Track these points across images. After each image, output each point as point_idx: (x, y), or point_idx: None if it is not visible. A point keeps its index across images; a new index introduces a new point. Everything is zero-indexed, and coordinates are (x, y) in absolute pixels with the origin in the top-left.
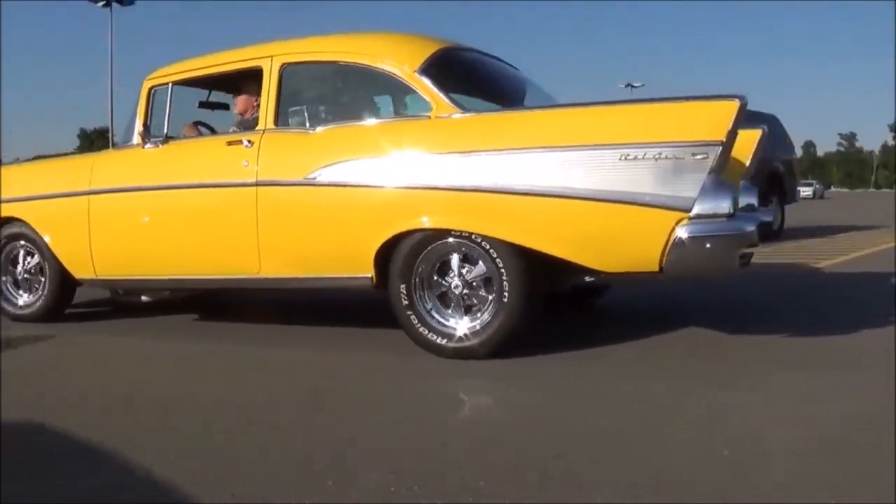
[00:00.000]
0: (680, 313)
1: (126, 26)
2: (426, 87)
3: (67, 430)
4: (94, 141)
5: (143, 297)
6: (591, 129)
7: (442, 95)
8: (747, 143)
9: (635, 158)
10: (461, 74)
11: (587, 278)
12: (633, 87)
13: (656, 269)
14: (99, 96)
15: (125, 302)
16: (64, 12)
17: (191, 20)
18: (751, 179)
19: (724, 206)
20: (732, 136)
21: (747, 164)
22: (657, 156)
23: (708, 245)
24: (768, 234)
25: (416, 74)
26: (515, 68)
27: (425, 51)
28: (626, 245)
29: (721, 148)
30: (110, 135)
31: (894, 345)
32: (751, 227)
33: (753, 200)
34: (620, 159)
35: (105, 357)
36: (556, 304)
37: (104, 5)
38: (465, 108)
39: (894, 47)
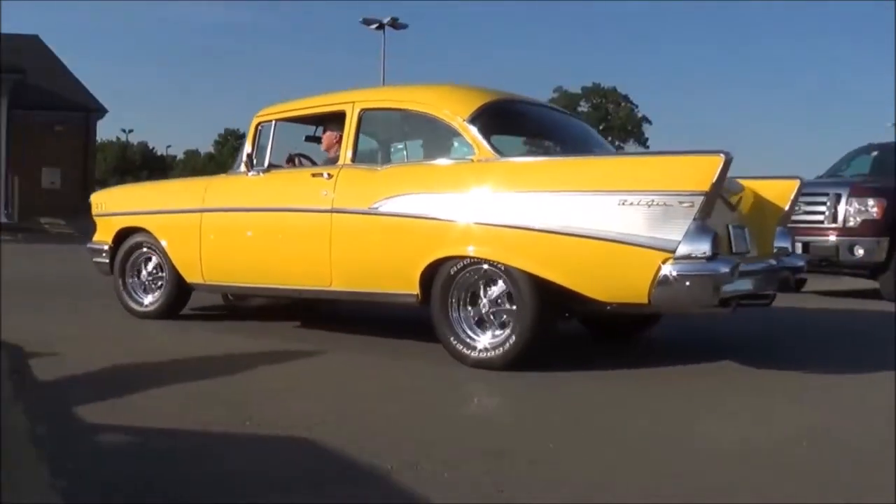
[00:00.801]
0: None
1: (397, 49)
2: (471, 134)
3: None
4: None
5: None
6: (596, 177)
7: (483, 142)
8: (786, 192)
9: (631, 204)
10: (507, 123)
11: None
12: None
13: (645, 301)
14: None
15: (235, 305)
16: (341, 36)
17: (453, 45)
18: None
19: (704, 248)
20: (717, 186)
21: (785, 209)
22: (650, 202)
23: (687, 282)
24: (796, 281)
25: (465, 123)
26: (568, 114)
27: (476, 102)
28: (619, 279)
29: (705, 197)
30: None
31: None
32: (726, 269)
33: (787, 245)
34: (619, 204)
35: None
36: (606, 333)
37: (377, 28)
38: (501, 154)
39: (894, 48)
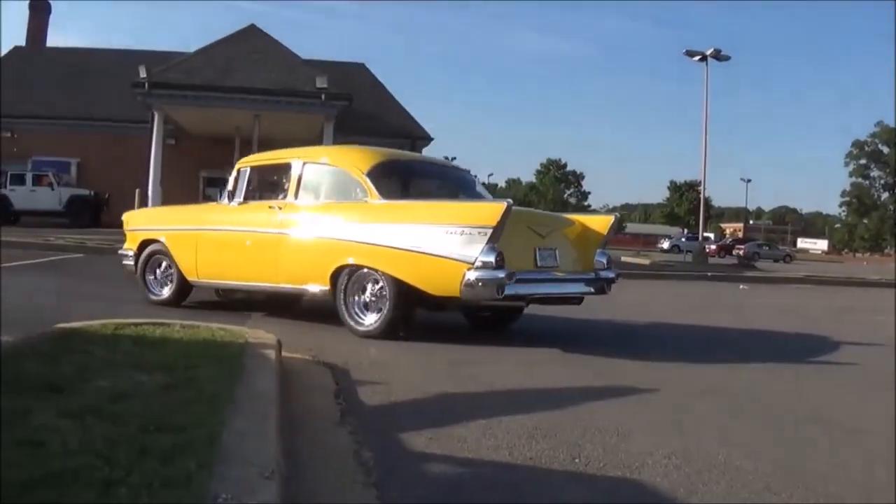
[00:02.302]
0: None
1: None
2: (367, 184)
3: None
4: (684, 193)
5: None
6: (432, 215)
7: (374, 189)
8: (605, 224)
9: (452, 233)
10: (392, 174)
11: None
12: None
13: (458, 294)
14: (690, 149)
15: (223, 299)
16: (668, 68)
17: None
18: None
19: (490, 260)
20: (503, 221)
21: (604, 236)
22: (461, 232)
23: (480, 283)
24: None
25: (364, 175)
26: (447, 165)
27: (372, 161)
28: (444, 280)
29: (493, 229)
30: (703, 187)
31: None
32: (503, 275)
33: (604, 261)
34: (445, 233)
35: None
36: (481, 323)
37: (700, 60)
38: (384, 198)
39: (894, 48)
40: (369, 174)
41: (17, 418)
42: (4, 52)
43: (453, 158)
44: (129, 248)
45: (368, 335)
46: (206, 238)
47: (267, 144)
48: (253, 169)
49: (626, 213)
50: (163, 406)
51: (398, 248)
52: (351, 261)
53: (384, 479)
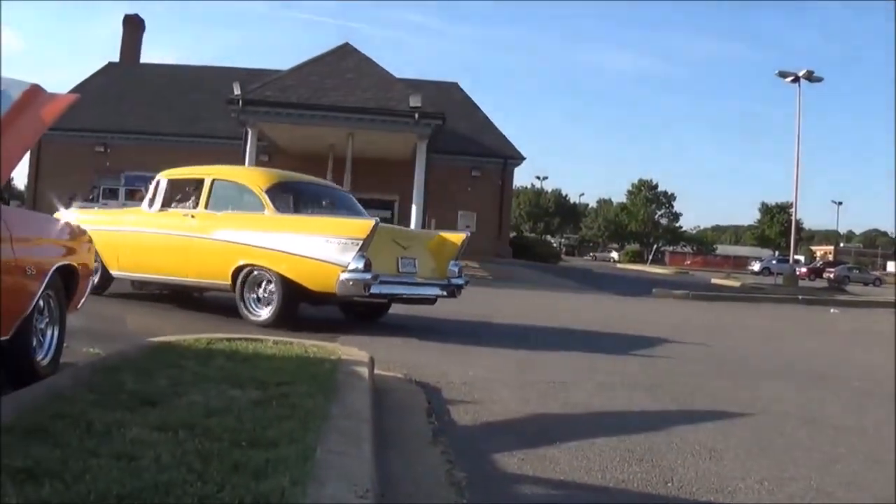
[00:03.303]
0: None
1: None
2: (265, 199)
3: None
4: (775, 215)
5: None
6: (316, 227)
7: (270, 203)
8: (458, 239)
9: (330, 242)
10: (286, 192)
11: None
12: None
13: (334, 291)
14: (781, 170)
15: (137, 290)
16: (761, 90)
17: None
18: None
19: (360, 265)
20: (371, 235)
21: (458, 249)
22: (339, 241)
23: (350, 283)
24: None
25: (263, 191)
26: (333, 187)
27: (270, 180)
28: (323, 279)
29: (363, 241)
30: (794, 209)
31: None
32: (368, 277)
33: (457, 270)
34: (325, 241)
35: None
36: (356, 315)
37: (792, 81)
38: (278, 211)
39: (894, 49)
40: (267, 191)
41: (111, 431)
42: (99, 67)
43: (545, 178)
44: None
45: (262, 325)
46: (128, 237)
47: (360, 162)
48: (170, 181)
49: (716, 234)
50: (256, 422)
51: (287, 253)
52: (248, 262)
53: (476, 500)
